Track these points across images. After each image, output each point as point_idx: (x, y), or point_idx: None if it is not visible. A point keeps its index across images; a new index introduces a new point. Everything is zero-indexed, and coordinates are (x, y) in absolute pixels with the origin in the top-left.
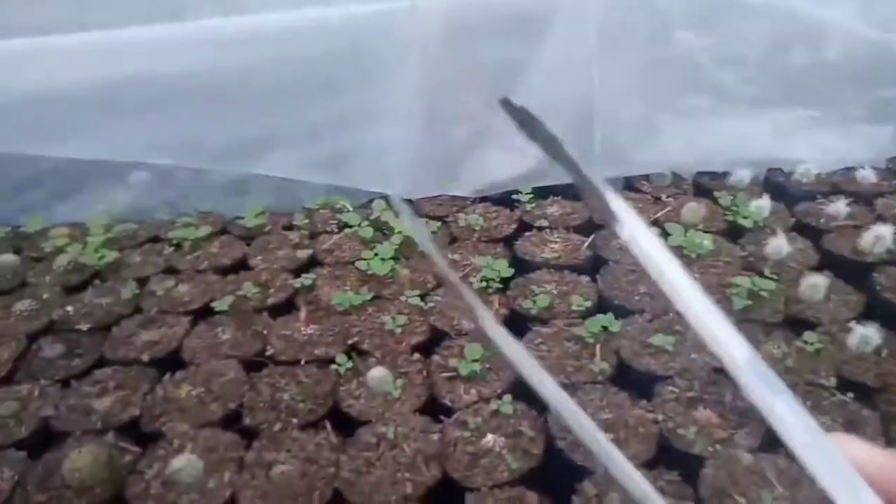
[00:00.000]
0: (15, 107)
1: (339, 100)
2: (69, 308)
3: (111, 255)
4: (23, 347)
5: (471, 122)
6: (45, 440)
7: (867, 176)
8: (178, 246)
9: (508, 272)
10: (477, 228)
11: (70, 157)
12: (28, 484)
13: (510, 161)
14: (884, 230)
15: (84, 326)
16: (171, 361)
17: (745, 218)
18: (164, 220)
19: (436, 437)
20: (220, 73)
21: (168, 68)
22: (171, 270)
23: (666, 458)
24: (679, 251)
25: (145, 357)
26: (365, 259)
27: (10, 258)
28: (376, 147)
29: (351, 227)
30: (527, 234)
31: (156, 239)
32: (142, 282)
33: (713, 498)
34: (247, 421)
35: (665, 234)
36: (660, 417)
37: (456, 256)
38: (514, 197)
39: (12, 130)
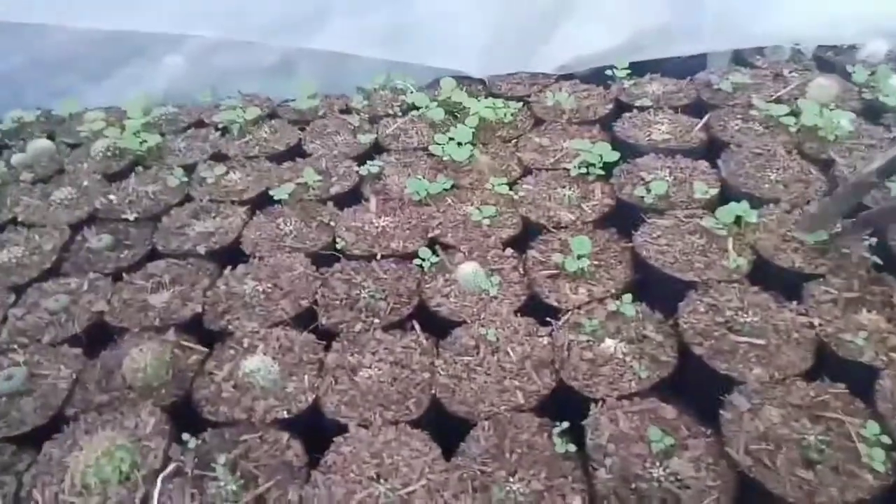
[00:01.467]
0: None
1: None
2: (112, 196)
3: (153, 140)
4: (66, 238)
5: None
6: (100, 337)
7: None
8: (224, 130)
9: (612, 156)
10: (567, 109)
11: (106, 29)
12: (87, 383)
13: (601, 32)
14: None
15: (130, 216)
16: (231, 254)
17: (886, 96)
18: (206, 104)
19: (545, 340)
20: None
21: None
22: (219, 157)
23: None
24: (814, 133)
25: (201, 249)
26: (438, 144)
27: (44, 143)
28: (443, 18)
29: (417, 108)
30: (626, 114)
31: (199, 123)
32: (189, 169)
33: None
34: (323, 320)
35: (794, 114)
36: (816, 322)
37: (544, 140)
38: (608, 73)
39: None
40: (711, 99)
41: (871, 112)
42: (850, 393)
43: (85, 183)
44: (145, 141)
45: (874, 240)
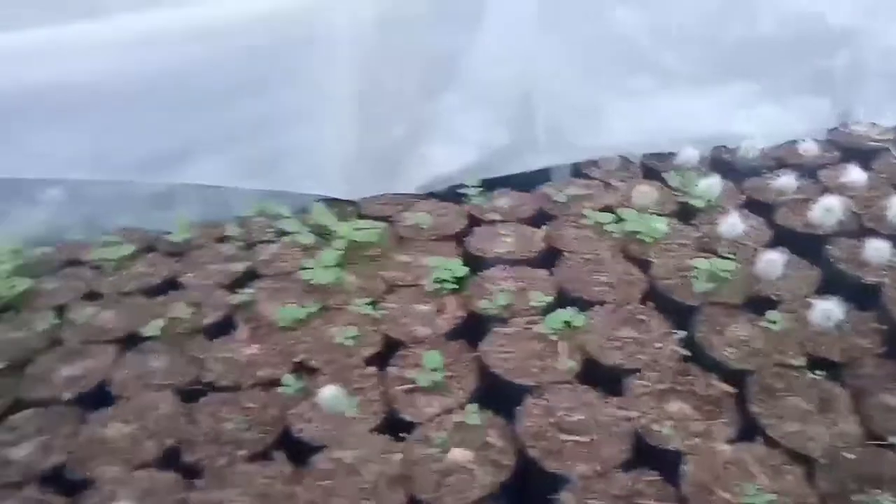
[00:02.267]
0: None
1: (265, 100)
2: None
3: (23, 284)
4: None
5: (409, 116)
6: None
7: (809, 148)
8: (98, 268)
9: (461, 271)
10: (425, 227)
11: None
12: None
13: (453, 153)
14: (832, 202)
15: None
16: (98, 397)
17: (696, 198)
18: (82, 241)
19: (398, 457)
20: (136, 76)
21: (80, 73)
22: (92, 296)
23: None
24: (634, 237)
25: (67, 395)
26: (307, 268)
27: None
28: (310, 147)
29: (289, 234)
30: (477, 229)
31: (74, 262)
32: (60, 310)
33: None
34: (187, 458)
35: (620, 220)
36: (633, 415)
37: (405, 258)
38: (461, 191)
39: None
40: (551, 210)
41: (684, 214)
42: (662, 479)
43: None
44: (15, 285)
45: (683, 333)
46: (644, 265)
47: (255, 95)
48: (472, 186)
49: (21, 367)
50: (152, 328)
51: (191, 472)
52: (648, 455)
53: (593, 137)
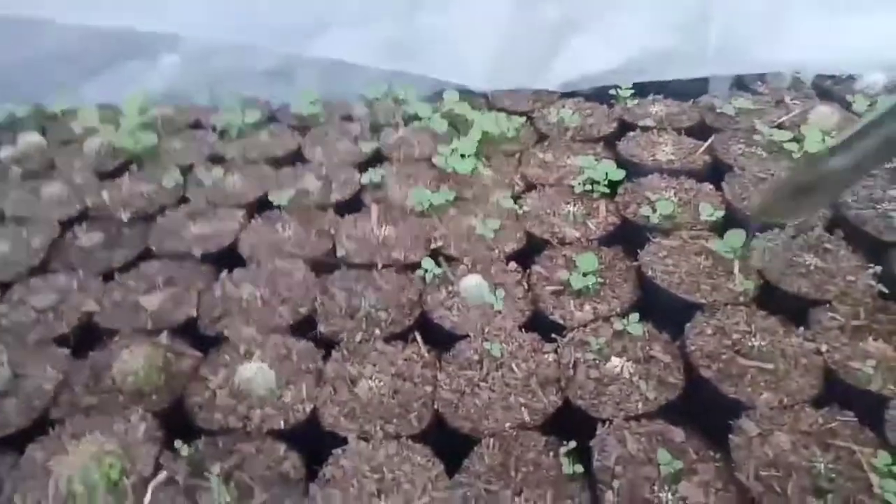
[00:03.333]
0: None
1: None
2: (105, 195)
3: (148, 140)
4: (56, 235)
5: (564, 7)
6: (89, 338)
7: None
8: (223, 133)
9: (616, 175)
10: (571, 126)
11: (102, 25)
12: (75, 384)
13: (606, 51)
14: None
15: (124, 215)
16: (228, 258)
17: None
18: (204, 105)
19: (550, 357)
20: None
21: None
22: (217, 159)
23: None
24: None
25: (197, 251)
26: (441, 155)
27: (35, 138)
28: (451, 32)
29: (420, 119)
30: (630, 134)
31: (197, 125)
32: (185, 170)
33: None
34: (322, 329)
35: (797, 140)
36: (823, 348)
37: (548, 156)
38: (611, 92)
39: None
40: (715, 122)
41: None
42: (860, 422)
43: (77, 180)
44: (140, 140)
45: (879, 268)
46: None
47: None
48: (623, 89)
49: (148, 219)
50: (280, 197)
51: (325, 344)
52: (843, 393)
53: (768, 50)
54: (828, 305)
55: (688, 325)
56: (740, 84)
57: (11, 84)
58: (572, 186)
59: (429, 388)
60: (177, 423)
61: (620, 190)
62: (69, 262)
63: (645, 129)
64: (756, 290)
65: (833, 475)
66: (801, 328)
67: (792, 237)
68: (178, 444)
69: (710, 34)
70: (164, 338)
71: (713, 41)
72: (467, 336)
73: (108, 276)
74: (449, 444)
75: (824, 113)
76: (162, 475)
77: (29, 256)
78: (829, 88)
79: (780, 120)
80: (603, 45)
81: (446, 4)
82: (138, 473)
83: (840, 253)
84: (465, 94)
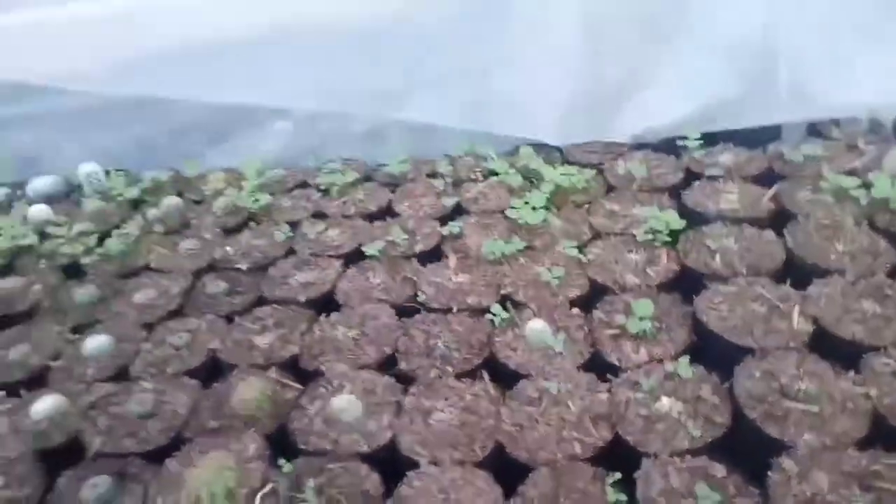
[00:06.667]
0: (173, 54)
1: (484, 45)
2: (228, 248)
3: (264, 199)
4: (189, 284)
5: (630, 61)
6: (213, 371)
7: None
8: (325, 191)
9: (678, 224)
10: (638, 177)
11: (223, 101)
12: (202, 410)
13: (674, 102)
14: None
15: (243, 266)
16: (326, 302)
17: None
18: (309, 167)
19: (604, 396)
20: (366, 17)
21: (320, 14)
22: (319, 215)
23: None
24: (885, 205)
25: (301, 297)
26: (515, 208)
27: (174, 200)
28: (524, 92)
29: (497, 174)
30: (696, 183)
31: (304, 185)
32: (293, 225)
33: None
34: (402, 365)
35: (867, 186)
36: (873, 393)
37: (615, 206)
38: (679, 143)
39: (171, 76)
40: (783, 169)
41: None
42: None
43: (207, 235)
44: (258, 200)
45: None
46: (894, 238)
47: (475, 41)
48: (692, 139)
49: (262, 269)
50: (372, 248)
51: (405, 379)
52: (891, 437)
53: (839, 94)
54: (882, 350)
55: (737, 367)
56: (813, 130)
57: (153, 153)
58: (635, 235)
59: (492, 422)
60: (281, 444)
61: (682, 238)
62: (199, 307)
63: (711, 178)
64: (809, 335)
65: None
66: (852, 373)
67: (851, 283)
68: (281, 461)
69: (780, 80)
70: (272, 372)
71: (784, 87)
72: (529, 375)
73: (230, 319)
74: (507, 471)
75: None
76: (268, 487)
77: (168, 302)
78: None
79: (850, 165)
80: (670, 97)
81: (515, 67)
82: (250, 486)
83: None
84: (541, 149)
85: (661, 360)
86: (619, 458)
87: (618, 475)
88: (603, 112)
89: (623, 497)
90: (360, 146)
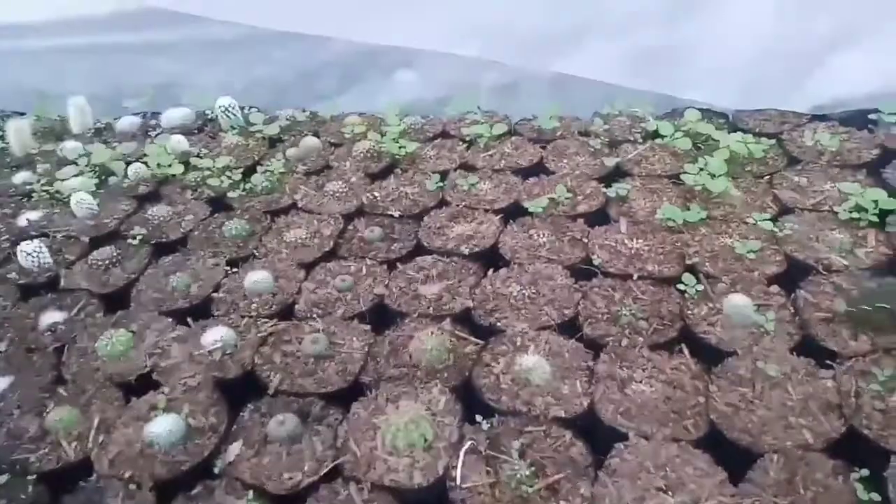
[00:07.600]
0: None
1: None
2: (376, 194)
3: (410, 146)
4: (340, 227)
5: (826, 21)
6: (382, 317)
7: None
8: (470, 143)
9: (889, 204)
10: (827, 150)
11: (370, 42)
12: (378, 357)
13: (873, 71)
14: None
15: (395, 212)
16: (490, 257)
17: None
18: (447, 117)
19: (828, 383)
20: None
21: None
22: (467, 167)
23: None
24: None
25: (464, 249)
26: (689, 173)
27: (313, 141)
28: (701, 49)
29: (662, 136)
30: None
31: (445, 135)
32: (441, 175)
33: None
34: (587, 331)
35: None
36: None
37: (802, 180)
38: (871, 116)
39: (311, 13)
40: None
41: None
42: None
43: (352, 179)
44: (403, 146)
45: None
46: None
47: None
48: (888, 113)
49: (415, 217)
50: (535, 205)
51: (592, 345)
52: None
53: None
54: None
55: None
56: None
57: (285, 92)
58: (836, 213)
59: (701, 399)
60: (469, 400)
61: (891, 220)
62: (354, 251)
63: None
64: None
65: None
66: None
67: None
68: (479, 418)
69: None
70: (447, 324)
71: None
72: (735, 353)
73: (391, 265)
74: (728, 454)
75: None
76: (468, 444)
77: (321, 243)
78: None
79: None
80: (869, 64)
81: (708, 13)
82: (446, 439)
83: None
84: (703, 113)
85: (889, 351)
86: (859, 452)
87: (864, 472)
88: (788, 77)
89: (876, 496)
90: (491, 99)
